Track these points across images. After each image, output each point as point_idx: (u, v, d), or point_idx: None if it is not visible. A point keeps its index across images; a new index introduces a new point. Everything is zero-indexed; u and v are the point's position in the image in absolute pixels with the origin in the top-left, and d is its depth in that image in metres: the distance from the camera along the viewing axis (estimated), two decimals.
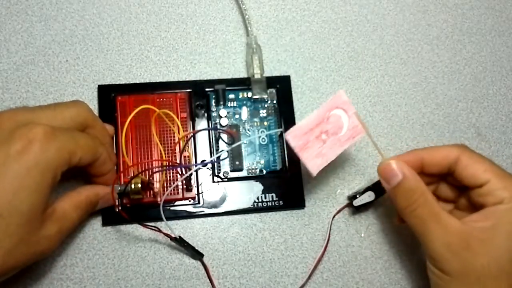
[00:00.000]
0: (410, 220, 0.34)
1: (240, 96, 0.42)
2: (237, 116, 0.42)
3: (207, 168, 0.40)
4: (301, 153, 0.34)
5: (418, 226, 0.33)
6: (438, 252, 0.32)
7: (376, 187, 0.40)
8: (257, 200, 0.40)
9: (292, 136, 0.34)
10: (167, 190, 0.38)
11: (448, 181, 0.37)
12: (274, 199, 0.40)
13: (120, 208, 0.38)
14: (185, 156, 0.40)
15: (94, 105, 0.41)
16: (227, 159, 0.40)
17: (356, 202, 0.40)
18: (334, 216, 0.41)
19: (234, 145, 0.40)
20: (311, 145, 0.34)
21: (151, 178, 0.38)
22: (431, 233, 0.33)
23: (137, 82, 0.42)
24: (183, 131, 0.40)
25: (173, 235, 0.37)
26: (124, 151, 0.38)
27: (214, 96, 0.42)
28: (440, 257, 0.32)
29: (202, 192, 0.40)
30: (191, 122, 0.41)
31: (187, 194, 0.39)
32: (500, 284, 0.32)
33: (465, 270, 0.32)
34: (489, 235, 0.32)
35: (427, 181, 0.35)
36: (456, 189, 0.37)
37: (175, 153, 0.39)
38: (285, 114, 0.42)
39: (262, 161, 0.41)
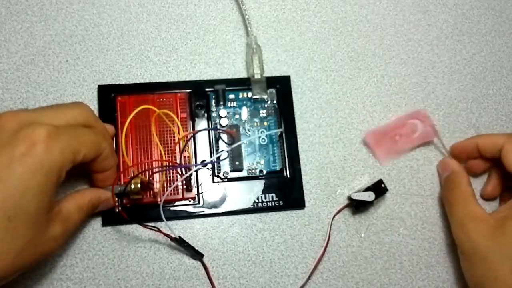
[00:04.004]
0: (445, 193, 0.41)
1: (240, 96, 0.42)
2: (237, 116, 0.42)
3: (207, 168, 0.40)
4: (375, 149, 0.42)
5: (449, 197, 0.40)
6: (456, 231, 0.39)
7: (376, 188, 0.40)
8: (257, 200, 0.40)
9: (370, 136, 0.43)
10: (167, 190, 0.38)
11: (500, 174, 0.42)
12: (274, 199, 0.40)
13: (120, 208, 0.38)
14: (185, 156, 0.40)
15: (94, 105, 0.41)
16: (227, 159, 0.40)
17: (355, 196, 0.40)
18: (334, 216, 0.41)
19: (234, 145, 0.40)
20: (384, 143, 0.42)
21: (151, 178, 0.38)
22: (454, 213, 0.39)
23: (137, 82, 0.42)
24: (183, 131, 0.40)
25: (173, 235, 0.37)
26: (124, 151, 0.38)
27: (214, 96, 0.42)
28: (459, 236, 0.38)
29: (202, 192, 0.40)
30: (191, 122, 0.41)
31: (187, 194, 0.39)
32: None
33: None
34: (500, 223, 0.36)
35: (483, 166, 0.42)
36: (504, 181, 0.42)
37: (175, 153, 0.39)
38: (285, 114, 0.42)
39: (262, 161, 0.41)
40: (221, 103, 0.42)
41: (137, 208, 0.38)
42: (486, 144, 0.40)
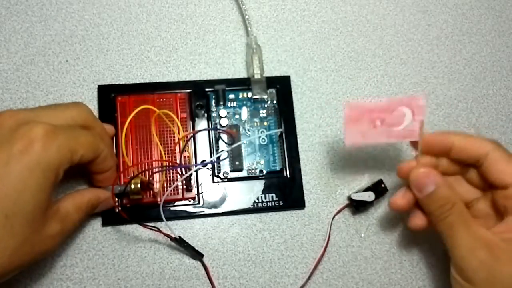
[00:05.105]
0: (441, 226, 0.34)
1: (240, 96, 0.42)
2: (237, 116, 0.42)
3: (207, 168, 0.40)
4: (347, 124, 0.35)
5: (447, 231, 0.33)
6: (464, 259, 0.32)
7: (376, 188, 0.40)
8: (257, 200, 0.40)
9: (350, 107, 0.35)
10: (167, 190, 0.38)
11: (470, 178, 0.36)
12: (274, 199, 0.40)
13: (120, 208, 0.38)
14: (185, 156, 0.40)
15: (94, 105, 0.41)
16: (227, 159, 0.40)
17: (355, 196, 0.40)
18: (334, 216, 0.41)
19: (234, 145, 0.40)
20: (360, 123, 0.35)
21: (151, 178, 0.38)
22: (460, 240, 0.33)
23: (137, 82, 0.42)
24: (183, 131, 0.40)
25: (173, 235, 0.37)
26: (124, 151, 0.38)
27: (214, 96, 0.42)
28: (466, 265, 0.32)
29: (202, 192, 0.40)
30: (191, 122, 0.41)
31: (187, 194, 0.39)
32: None
33: (491, 279, 0.31)
34: None
35: (451, 169, 0.35)
36: (477, 188, 0.36)
37: (175, 153, 0.39)
38: (285, 114, 0.42)
39: (262, 161, 0.41)
40: (221, 103, 0.42)
41: (137, 208, 0.38)
42: (466, 147, 0.34)
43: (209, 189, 0.40)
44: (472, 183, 0.36)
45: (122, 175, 0.38)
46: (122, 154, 0.38)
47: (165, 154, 0.39)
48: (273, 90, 0.43)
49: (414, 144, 0.36)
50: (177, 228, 0.39)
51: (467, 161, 0.35)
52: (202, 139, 0.41)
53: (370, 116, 0.35)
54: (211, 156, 0.40)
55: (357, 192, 0.40)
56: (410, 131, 0.35)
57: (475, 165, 0.35)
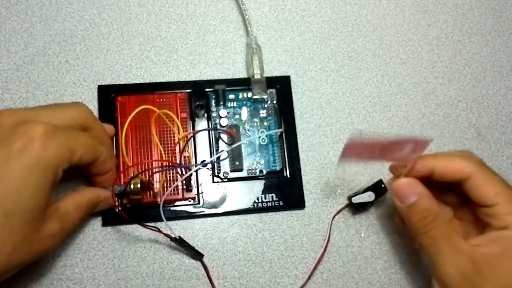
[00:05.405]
0: (423, 240, 0.33)
1: (240, 96, 0.42)
2: (237, 116, 0.42)
3: (207, 168, 0.40)
4: (346, 152, 0.33)
5: (430, 246, 0.33)
6: (448, 275, 0.32)
7: (376, 188, 0.40)
8: (257, 200, 0.40)
9: (351, 144, 0.33)
10: (167, 191, 0.38)
11: (454, 188, 0.36)
12: (274, 199, 0.40)
13: (120, 208, 0.37)
14: (185, 156, 0.40)
15: (94, 105, 0.41)
16: (227, 159, 0.40)
17: (355, 199, 0.40)
18: (334, 216, 0.41)
19: (234, 146, 0.40)
20: (360, 152, 0.33)
21: (151, 179, 0.38)
22: (443, 255, 0.32)
23: (137, 82, 0.42)
24: (183, 131, 0.40)
25: (173, 236, 0.37)
26: (124, 151, 0.38)
27: (214, 96, 0.42)
28: (450, 280, 0.32)
29: (202, 192, 0.40)
30: (191, 122, 0.41)
31: (187, 195, 0.39)
32: None
33: None
34: (497, 261, 0.32)
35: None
36: (460, 197, 0.36)
37: (175, 153, 0.39)
38: (285, 114, 0.42)
39: (262, 161, 0.41)
40: (221, 103, 0.42)
41: (137, 208, 0.38)
42: (447, 171, 0.34)
43: (209, 189, 0.40)
44: (456, 192, 0.36)
45: (122, 175, 0.38)
46: (122, 154, 0.38)
47: (165, 154, 0.39)
48: (273, 90, 0.43)
49: (393, 169, 0.37)
50: (177, 228, 0.39)
51: (450, 183, 0.34)
52: (202, 139, 0.41)
53: (372, 148, 0.33)
54: (211, 156, 0.40)
55: (357, 192, 0.40)
56: (404, 158, 0.34)
57: (458, 184, 0.34)
